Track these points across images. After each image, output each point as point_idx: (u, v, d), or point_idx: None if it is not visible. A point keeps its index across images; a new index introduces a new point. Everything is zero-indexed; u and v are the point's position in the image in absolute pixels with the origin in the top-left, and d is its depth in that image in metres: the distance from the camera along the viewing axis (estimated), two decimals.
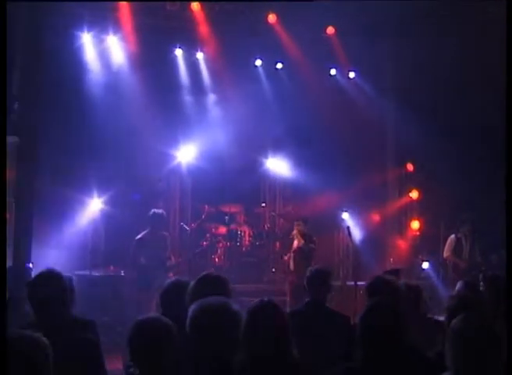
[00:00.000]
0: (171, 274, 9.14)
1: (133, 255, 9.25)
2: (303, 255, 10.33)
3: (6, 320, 3.37)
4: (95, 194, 11.36)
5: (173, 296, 4.45)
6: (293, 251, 10.53)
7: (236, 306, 3.07)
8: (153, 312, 8.53)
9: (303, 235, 10.52)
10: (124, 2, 11.40)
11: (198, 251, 11.20)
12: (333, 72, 13.50)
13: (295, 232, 10.66)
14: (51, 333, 3.24)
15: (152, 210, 9.94)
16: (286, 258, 10.74)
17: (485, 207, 12.87)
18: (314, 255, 10.48)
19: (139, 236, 9.43)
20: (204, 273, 4.44)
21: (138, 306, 9.43)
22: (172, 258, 9.55)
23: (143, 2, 11.55)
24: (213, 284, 4.17)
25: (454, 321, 3.03)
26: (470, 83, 12.39)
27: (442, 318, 4.61)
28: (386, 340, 3.31)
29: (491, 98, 12.08)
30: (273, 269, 12.59)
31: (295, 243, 10.59)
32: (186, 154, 12.57)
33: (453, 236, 11.37)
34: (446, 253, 11.33)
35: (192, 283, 4.23)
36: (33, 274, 6.03)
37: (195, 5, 11.70)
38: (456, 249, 11.17)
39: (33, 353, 2.60)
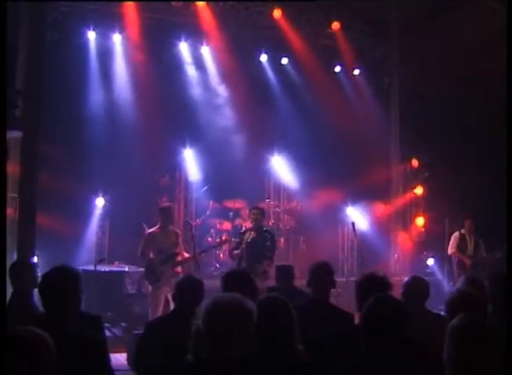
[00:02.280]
0: (179, 269, 9.03)
1: (142, 248, 9.18)
2: (256, 249, 9.30)
3: (6, 319, 3.36)
4: (100, 189, 11.38)
5: (188, 293, 4.46)
6: (246, 245, 9.36)
7: (249, 302, 3.03)
8: (161, 306, 8.56)
9: (259, 228, 9.48)
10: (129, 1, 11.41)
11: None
12: (338, 68, 13.46)
13: (251, 223, 9.60)
14: (58, 328, 3.24)
15: (160, 205, 9.88)
16: (236, 252, 9.49)
17: (489, 203, 12.85)
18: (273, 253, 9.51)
19: (149, 230, 9.39)
20: (231, 270, 4.47)
21: (146, 301, 9.41)
22: (185, 254, 9.35)
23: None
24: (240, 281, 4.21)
25: (454, 319, 3.01)
26: (476, 81, 12.35)
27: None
28: (390, 333, 3.29)
29: (497, 96, 12.03)
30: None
31: (248, 235, 9.48)
32: (191, 149, 12.59)
33: (456, 233, 11.38)
34: (450, 250, 11.34)
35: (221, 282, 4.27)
36: (38, 268, 6.04)
37: (200, 3, 11.70)
38: (461, 245, 11.17)
39: (37, 348, 2.59)
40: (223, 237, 11.85)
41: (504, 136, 7.48)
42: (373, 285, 4.34)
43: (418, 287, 5.23)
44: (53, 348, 2.64)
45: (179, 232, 9.53)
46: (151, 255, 9.06)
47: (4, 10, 5.02)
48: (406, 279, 5.31)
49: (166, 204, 10.00)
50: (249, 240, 9.41)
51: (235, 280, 4.28)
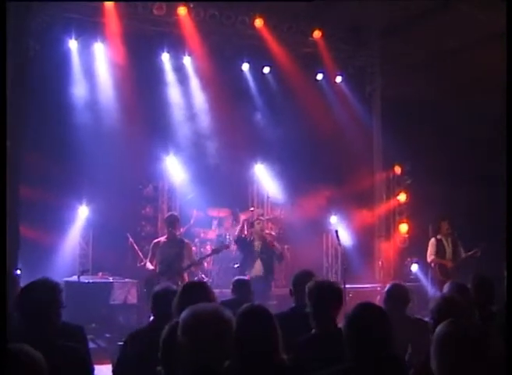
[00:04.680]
0: (183, 278, 8.77)
1: (149, 259, 9.09)
2: (268, 260, 9.73)
3: (6, 324, 3.36)
4: (83, 200, 11.32)
5: (162, 304, 4.43)
6: (257, 255, 9.73)
7: (227, 312, 3.04)
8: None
9: (264, 239, 9.89)
10: (111, 8, 11.36)
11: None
12: (320, 76, 13.51)
13: (257, 231, 9.93)
14: (40, 341, 3.21)
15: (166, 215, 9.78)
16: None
17: (472, 208, 12.95)
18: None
19: (156, 240, 9.30)
20: (187, 282, 4.43)
21: (131, 312, 9.31)
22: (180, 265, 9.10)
23: (129, 8, 11.53)
24: (197, 292, 4.15)
25: (440, 326, 3.02)
26: (457, 88, 12.44)
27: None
28: (375, 341, 3.32)
29: (479, 102, 12.14)
30: None
31: (257, 244, 9.84)
32: (174, 158, 12.57)
33: (432, 239, 11.37)
34: (429, 257, 11.29)
35: (178, 293, 4.22)
36: (22, 281, 6.00)
37: (182, 10, 11.68)
38: (439, 251, 11.18)
39: (30, 368, 2.56)
40: (222, 244, 11.34)
41: (495, 138, 7.54)
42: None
43: (399, 293, 5.29)
44: (44, 364, 2.61)
45: (186, 241, 9.38)
46: (155, 265, 8.95)
47: (4, 10, 4.98)
48: (387, 286, 5.38)
49: (169, 213, 9.91)
50: (259, 250, 9.67)
51: (193, 291, 4.23)
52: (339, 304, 4.49)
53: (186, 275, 8.99)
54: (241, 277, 7.35)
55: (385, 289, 5.38)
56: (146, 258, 9.53)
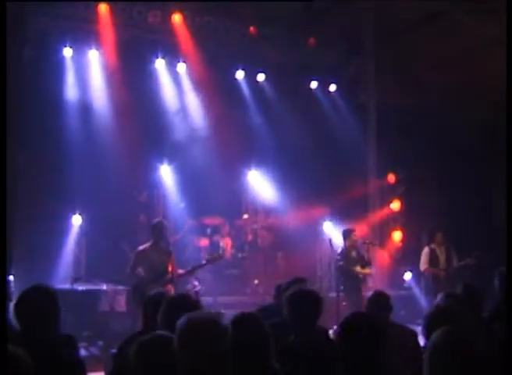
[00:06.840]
0: (169, 287, 8.73)
1: (132, 265, 8.99)
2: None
3: (6, 323, 3.37)
4: (77, 207, 11.29)
5: (152, 310, 4.42)
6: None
7: (223, 320, 3.04)
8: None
9: (357, 246, 10.98)
10: (106, 15, 11.37)
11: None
12: (314, 85, 13.55)
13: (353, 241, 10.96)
14: (35, 348, 3.21)
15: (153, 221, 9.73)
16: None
17: (465, 216, 12.98)
18: None
19: (141, 247, 9.21)
20: (172, 296, 4.41)
21: (134, 320, 9.23)
22: (179, 271, 9.09)
23: (124, 16, 11.55)
24: (181, 306, 4.12)
25: (434, 334, 3.03)
26: (452, 95, 12.49)
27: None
28: (366, 354, 3.32)
29: (473, 110, 12.18)
30: (256, 281, 12.53)
31: (354, 253, 10.81)
32: (168, 166, 12.57)
33: (426, 248, 11.40)
34: (423, 266, 11.33)
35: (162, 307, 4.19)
36: (16, 288, 5.98)
37: (176, 17, 11.72)
38: (433, 260, 11.21)
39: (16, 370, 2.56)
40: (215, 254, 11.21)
41: (490, 147, 7.58)
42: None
43: (381, 301, 5.31)
44: (31, 368, 2.61)
45: (171, 250, 9.34)
46: (141, 273, 8.85)
47: (4, 10, 4.98)
48: (369, 295, 5.43)
49: (156, 220, 9.83)
50: (356, 257, 10.70)
51: (177, 304, 4.19)
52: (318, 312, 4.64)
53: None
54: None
55: (367, 298, 5.43)
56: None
